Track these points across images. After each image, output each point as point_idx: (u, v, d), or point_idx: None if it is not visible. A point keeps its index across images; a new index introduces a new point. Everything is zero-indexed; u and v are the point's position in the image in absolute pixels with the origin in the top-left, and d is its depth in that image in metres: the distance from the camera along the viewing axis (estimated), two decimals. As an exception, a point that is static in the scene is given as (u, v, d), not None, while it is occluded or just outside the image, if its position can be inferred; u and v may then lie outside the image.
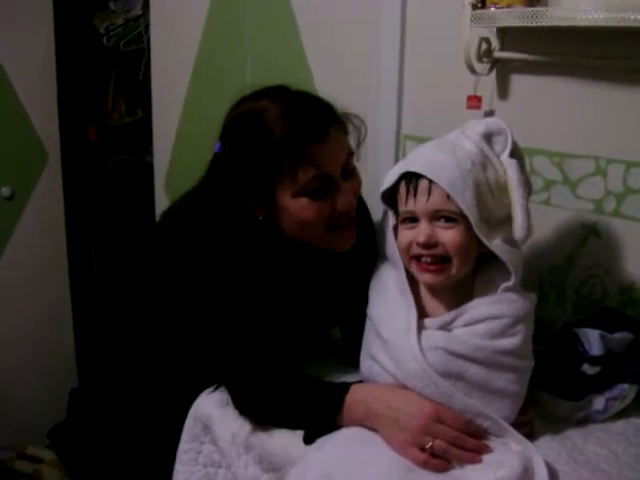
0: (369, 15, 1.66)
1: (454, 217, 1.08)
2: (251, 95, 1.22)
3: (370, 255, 1.29)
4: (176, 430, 1.29)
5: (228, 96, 1.90)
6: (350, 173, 1.20)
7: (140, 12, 2.64)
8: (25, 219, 2.67)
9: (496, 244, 1.09)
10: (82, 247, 2.88)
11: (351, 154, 1.21)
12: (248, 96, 1.22)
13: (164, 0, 2.19)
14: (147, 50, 2.46)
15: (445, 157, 1.10)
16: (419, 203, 1.10)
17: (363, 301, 1.27)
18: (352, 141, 1.24)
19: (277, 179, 1.15)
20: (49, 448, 2.49)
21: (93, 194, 2.88)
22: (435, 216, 1.09)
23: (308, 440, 1.13)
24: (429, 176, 1.08)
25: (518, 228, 1.10)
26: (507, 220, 1.12)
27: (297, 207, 1.16)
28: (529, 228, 1.10)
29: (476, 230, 1.07)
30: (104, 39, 2.69)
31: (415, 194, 1.10)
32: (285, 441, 1.17)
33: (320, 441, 1.11)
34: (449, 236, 1.08)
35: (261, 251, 1.22)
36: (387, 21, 1.61)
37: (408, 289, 1.14)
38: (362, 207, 1.35)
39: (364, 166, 1.70)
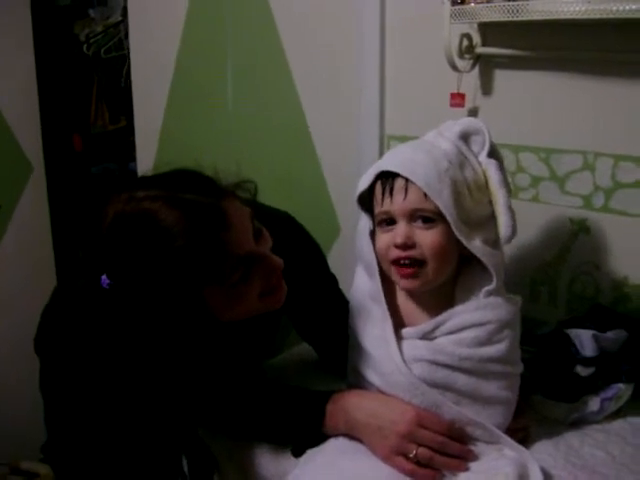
0: (349, 14, 1.63)
1: (432, 217, 1.04)
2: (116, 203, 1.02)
3: (314, 270, 1.28)
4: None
5: (209, 99, 1.87)
6: (259, 233, 1.06)
7: (120, 18, 2.62)
8: (11, 231, 2.65)
9: (475, 245, 1.05)
10: (69, 257, 2.85)
11: (252, 216, 1.06)
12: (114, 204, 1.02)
13: (142, 5, 2.16)
14: (128, 56, 2.43)
15: (421, 156, 1.06)
16: (395, 203, 1.05)
17: (322, 316, 1.28)
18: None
19: (201, 289, 1.00)
20: (43, 462, 2.46)
21: (79, 204, 2.85)
22: (413, 216, 1.05)
23: (297, 452, 1.11)
24: (404, 174, 1.04)
25: (503, 226, 1.05)
26: (487, 221, 1.08)
27: (229, 298, 1.03)
28: (514, 227, 1.06)
29: (455, 230, 1.03)
30: (84, 47, 2.67)
31: (391, 194, 1.06)
32: (274, 453, 1.14)
33: (309, 453, 1.09)
34: (427, 237, 1.04)
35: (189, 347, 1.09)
36: (367, 20, 1.58)
37: (382, 298, 1.10)
38: (289, 226, 1.30)
39: (349, 168, 1.70)
